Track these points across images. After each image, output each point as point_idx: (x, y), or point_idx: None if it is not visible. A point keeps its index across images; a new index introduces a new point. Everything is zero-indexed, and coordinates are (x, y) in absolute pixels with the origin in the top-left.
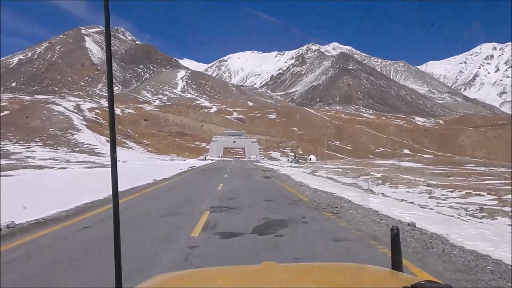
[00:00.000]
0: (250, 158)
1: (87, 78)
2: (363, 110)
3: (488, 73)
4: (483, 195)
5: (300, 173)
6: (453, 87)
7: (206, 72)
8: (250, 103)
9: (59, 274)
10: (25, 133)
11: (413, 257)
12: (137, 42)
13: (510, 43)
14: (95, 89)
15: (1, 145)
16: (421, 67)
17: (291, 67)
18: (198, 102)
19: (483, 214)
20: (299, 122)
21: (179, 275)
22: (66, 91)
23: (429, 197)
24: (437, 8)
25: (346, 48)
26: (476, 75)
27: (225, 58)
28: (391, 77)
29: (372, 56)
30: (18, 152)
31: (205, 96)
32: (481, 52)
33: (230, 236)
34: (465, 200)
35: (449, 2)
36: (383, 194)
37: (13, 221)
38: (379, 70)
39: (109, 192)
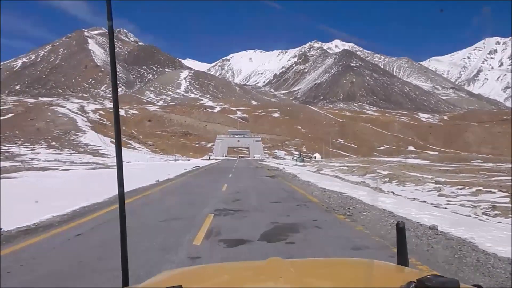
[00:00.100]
0: (254, 157)
1: (90, 79)
2: (367, 107)
3: (492, 67)
4: (494, 192)
5: (306, 172)
6: (457, 83)
7: (209, 72)
8: (254, 102)
9: None
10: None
11: (448, 270)
12: (140, 43)
13: None
14: (98, 90)
15: (6, 147)
16: (425, 63)
17: (294, 65)
18: (201, 102)
19: (496, 212)
20: (303, 120)
21: (186, 271)
22: (70, 93)
23: (438, 195)
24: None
25: (349, 45)
26: (480, 70)
27: (228, 57)
28: (395, 74)
29: (375, 52)
30: (23, 154)
31: (208, 95)
32: (484, 47)
33: (236, 244)
34: (476, 198)
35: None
36: (393, 192)
37: (1, 228)
38: (382, 66)
39: (109, 194)
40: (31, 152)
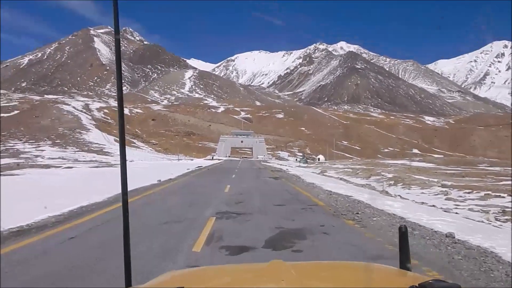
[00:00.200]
0: (258, 158)
1: (96, 78)
2: (372, 110)
3: (499, 71)
4: (503, 197)
5: (310, 174)
6: (463, 86)
7: (213, 72)
8: (258, 103)
9: None
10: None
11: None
12: (145, 43)
13: None
14: (103, 89)
15: (11, 144)
16: (430, 66)
17: (298, 66)
18: (205, 102)
19: (506, 217)
20: (307, 121)
21: (188, 272)
22: (75, 91)
23: (446, 199)
24: (447, 5)
25: (354, 47)
26: (486, 74)
27: (232, 58)
28: (400, 76)
29: (380, 55)
30: (28, 151)
31: (212, 96)
32: (491, 50)
33: (239, 252)
34: (485, 202)
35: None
36: (400, 196)
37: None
38: (387, 69)
39: (109, 193)
40: (36, 149)
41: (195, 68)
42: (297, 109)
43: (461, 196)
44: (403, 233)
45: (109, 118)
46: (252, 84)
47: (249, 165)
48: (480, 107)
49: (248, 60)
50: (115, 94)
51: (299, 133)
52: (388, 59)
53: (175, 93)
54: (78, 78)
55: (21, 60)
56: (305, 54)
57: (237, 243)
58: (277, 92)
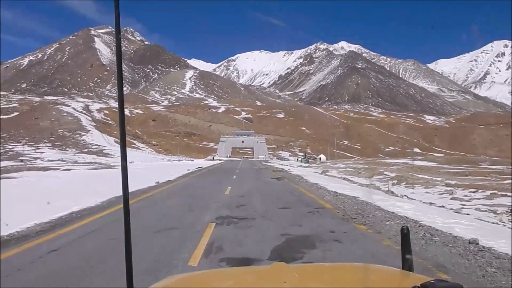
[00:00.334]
0: (258, 158)
1: (96, 78)
2: (372, 109)
3: (499, 70)
4: (509, 196)
5: (312, 174)
6: (463, 85)
7: (214, 72)
8: (258, 103)
9: None
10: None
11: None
12: (146, 43)
13: None
14: (104, 89)
15: (10, 146)
16: (431, 66)
17: (299, 66)
18: (206, 102)
19: None
20: (308, 121)
21: (191, 276)
22: (76, 92)
23: (451, 198)
24: (446, 5)
25: (354, 47)
26: (487, 73)
27: (233, 58)
28: (400, 76)
29: (381, 54)
30: (27, 154)
31: (213, 96)
32: (492, 50)
33: (242, 265)
34: (491, 202)
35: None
36: (407, 196)
37: None
38: (388, 68)
39: (104, 197)
40: (35, 152)
41: (196, 68)
42: (297, 108)
43: (466, 196)
44: (405, 234)
45: (109, 119)
46: (252, 84)
47: (250, 165)
48: (480, 106)
49: (248, 60)
50: (115, 94)
51: (300, 133)
52: (388, 59)
53: (176, 93)
54: (79, 79)
55: (21, 61)
56: (306, 54)
57: (239, 254)
58: (277, 92)
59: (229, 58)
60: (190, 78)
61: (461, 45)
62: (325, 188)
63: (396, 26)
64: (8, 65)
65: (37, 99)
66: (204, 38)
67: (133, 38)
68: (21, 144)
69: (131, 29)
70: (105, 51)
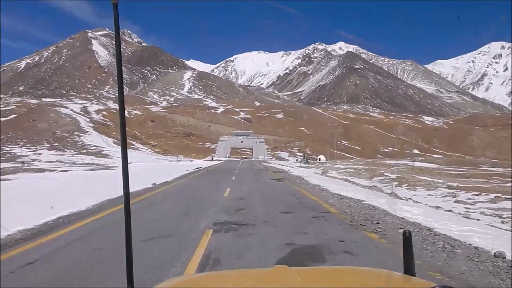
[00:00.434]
0: (258, 158)
1: (94, 80)
2: (371, 110)
3: (497, 72)
4: None
5: (313, 174)
6: (461, 87)
7: (212, 73)
8: (257, 103)
9: None
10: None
11: None
12: (144, 44)
13: None
14: (102, 91)
15: (8, 148)
16: (429, 66)
17: (297, 66)
18: (205, 102)
19: None
20: (307, 121)
21: (191, 279)
22: (74, 93)
23: (455, 201)
24: (445, 6)
25: (352, 47)
26: (484, 74)
27: (231, 58)
28: (399, 76)
29: (379, 55)
30: (25, 155)
31: (212, 96)
32: (489, 51)
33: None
34: (496, 205)
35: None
36: (412, 199)
37: None
38: (386, 69)
39: (97, 200)
40: (33, 153)
41: (194, 69)
42: (296, 109)
43: (470, 199)
44: (407, 238)
45: (107, 120)
46: (251, 84)
47: (249, 166)
48: (478, 108)
49: (247, 60)
50: (113, 96)
51: (299, 133)
52: (387, 59)
53: (174, 94)
54: (76, 81)
55: (18, 64)
56: (304, 54)
57: (238, 269)
58: (276, 92)
59: (227, 59)
60: (188, 79)
61: (459, 45)
62: (328, 190)
63: (393, 27)
64: (5, 68)
65: (35, 101)
66: (202, 39)
67: (131, 40)
68: (19, 146)
69: (128, 31)
70: (102, 53)
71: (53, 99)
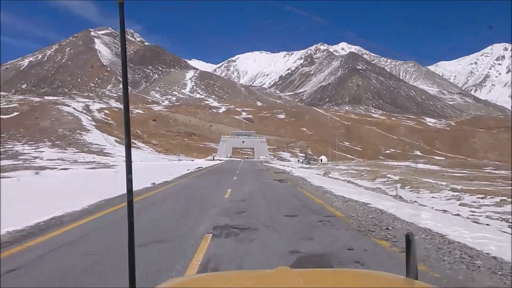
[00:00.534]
0: (259, 158)
1: (96, 79)
2: (373, 111)
3: (500, 74)
4: None
5: (315, 175)
6: (463, 88)
7: (214, 73)
8: (259, 103)
9: None
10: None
11: None
12: (146, 43)
13: None
14: (104, 90)
15: (10, 146)
16: (431, 68)
17: (299, 67)
18: (206, 102)
19: None
20: (308, 122)
21: (192, 279)
22: (76, 92)
23: (459, 204)
24: (448, 7)
25: (355, 48)
26: (487, 76)
27: (233, 58)
28: (401, 78)
29: (381, 56)
30: (27, 153)
31: (213, 96)
32: (492, 53)
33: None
34: (502, 209)
35: (461, 2)
36: (417, 203)
37: None
38: (388, 70)
39: (94, 199)
40: (35, 151)
41: (196, 69)
42: (298, 109)
43: (475, 202)
44: (410, 241)
45: (109, 119)
46: (253, 84)
47: (250, 166)
48: (480, 109)
49: (249, 60)
50: (115, 95)
51: (301, 134)
52: (389, 60)
53: (176, 93)
54: (79, 80)
55: (21, 62)
56: (306, 54)
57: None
58: (278, 92)
59: (230, 59)
60: (190, 79)
61: (461, 47)
62: (331, 192)
63: (396, 28)
64: (8, 66)
65: (37, 99)
66: (204, 38)
67: (133, 39)
68: (21, 143)
69: (131, 30)
70: (105, 52)
71: (55, 97)
